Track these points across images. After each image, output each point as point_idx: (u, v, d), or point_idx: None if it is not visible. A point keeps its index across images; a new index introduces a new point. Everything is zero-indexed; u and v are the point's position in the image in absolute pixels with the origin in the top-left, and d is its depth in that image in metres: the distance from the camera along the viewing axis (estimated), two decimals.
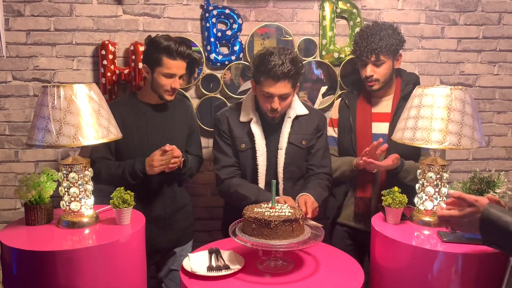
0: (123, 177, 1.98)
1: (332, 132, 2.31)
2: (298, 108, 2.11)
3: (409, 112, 1.72)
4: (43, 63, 2.41)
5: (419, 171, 1.78)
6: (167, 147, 1.94)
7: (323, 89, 2.59)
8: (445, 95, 1.63)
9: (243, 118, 2.09)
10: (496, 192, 1.66)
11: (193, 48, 2.40)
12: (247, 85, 2.50)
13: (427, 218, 1.76)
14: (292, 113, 2.08)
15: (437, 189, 1.73)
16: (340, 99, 2.36)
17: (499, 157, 2.75)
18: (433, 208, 1.74)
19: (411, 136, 1.67)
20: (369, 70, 2.13)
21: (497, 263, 1.54)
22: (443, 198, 1.74)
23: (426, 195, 1.74)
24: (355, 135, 2.21)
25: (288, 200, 1.88)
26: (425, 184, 1.75)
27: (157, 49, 2.00)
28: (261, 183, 2.06)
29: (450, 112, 1.61)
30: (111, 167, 2.02)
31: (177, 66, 2.02)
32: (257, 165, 2.05)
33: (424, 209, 1.76)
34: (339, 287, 1.53)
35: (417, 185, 1.79)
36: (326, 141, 2.20)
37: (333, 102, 2.57)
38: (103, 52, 2.35)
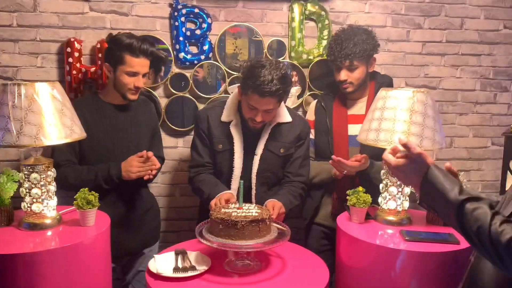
0: (96, 183, 1.94)
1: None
2: (281, 115, 2.08)
3: (373, 113, 1.76)
4: (5, 60, 2.33)
5: (383, 171, 1.82)
6: (146, 153, 1.93)
7: (296, 89, 2.61)
8: (407, 98, 1.68)
9: (224, 118, 2.07)
10: None
11: (161, 46, 2.40)
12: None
13: (390, 217, 1.80)
14: (273, 121, 2.06)
15: (400, 189, 1.77)
16: (316, 101, 2.39)
17: (461, 158, 2.85)
18: (396, 207, 1.78)
19: (375, 138, 1.71)
20: (343, 75, 2.17)
21: (457, 261, 1.60)
22: (405, 197, 1.79)
23: (389, 195, 1.79)
24: (331, 137, 2.24)
25: (276, 204, 1.90)
26: (389, 184, 1.79)
27: (119, 47, 1.97)
28: (235, 185, 2.05)
29: (412, 114, 1.66)
30: (81, 172, 1.97)
31: (140, 64, 2.00)
32: (233, 167, 2.05)
33: (388, 208, 1.80)
34: (305, 285, 1.55)
35: (381, 185, 1.83)
36: (307, 150, 2.19)
37: (302, 103, 2.61)
38: (69, 49, 2.30)
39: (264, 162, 2.06)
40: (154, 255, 1.72)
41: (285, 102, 2.12)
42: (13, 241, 1.57)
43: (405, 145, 1.22)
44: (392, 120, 1.67)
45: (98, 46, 2.32)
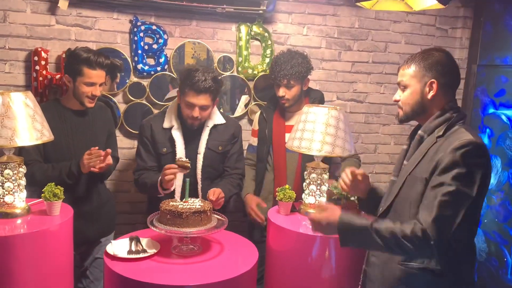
0: (60, 178, 2.18)
1: (253, 141, 2.69)
2: (216, 118, 2.44)
3: (298, 125, 2.14)
4: None
5: (305, 172, 2.20)
6: (106, 151, 2.19)
7: (245, 98, 2.97)
8: (323, 114, 2.06)
9: (166, 125, 2.38)
10: None
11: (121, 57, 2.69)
12: (174, 92, 2.81)
13: (311, 210, 2.18)
14: (210, 123, 2.40)
15: (318, 187, 2.16)
16: (260, 112, 2.74)
17: (383, 162, 3.29)
18: (315, 202, 2.17)
19: (298, 145, 2.09)
20: (281, 92, 2.53)
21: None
22: (323, 194, 2.18)
23: (310, 192, 2.17)
24: (271, 145, 2.61)
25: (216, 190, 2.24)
26: (310, 182, 2.17)
27: (77, 60, 2.22)
28: (179, 182, 2.35)
29: (327, 127, 2.05)
30: (46, 170, 2.21)
31: (97, 75, 2.26)
32: None
33: (309, 203, 2.18)
34: (237, 264, 1.89)
35: (304, 184, 2.21)
36: (241, 147, 2.56)
37: (247, 112, 2.97)
38: (36, 58, 2.54)
39: (206, 159, 2.40)
40: (111, 240, 2.01)
41: (216, 102, 2.44)
42: None
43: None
44: (312, 131, 2.05)
45: (63, 55, 2.58)
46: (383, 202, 1.69)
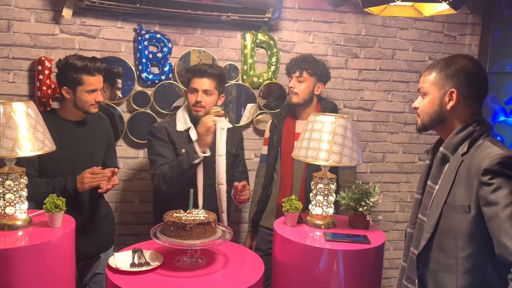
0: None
1: (264, 150, 2.66)
2: (224, 122, 2.48)
3: (304, 134, 2.09)
4: None
5: (312, 182, 2.15)
6: (113, 170, 2.18)
7: (251, 106, 2.94)
8: (330, 122, 2.01)
9: (180, 127, 2.36)
10: (370, 201, 2.06)
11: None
12: (181, 101, 2.78)
13: (318, 222, 2.12)
14: (223, 125, 2.44)
15: (325, 198, 2.10)
16: (272, 120, 2.72)
17: (392, 171, 3.23)
18: (322, 213, 2.11)
19: (305, 154, 2.04)
20: (292, 83, 2.52)
21: (368, 259, 1.94)
22: (330, 205, 2.12)
23: (316, 202, 2.11)
24: (280, 152, 2.58)
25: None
26: (317, 193, 2.12)
27: (74, 70, 2.16)
28: (200, 184, 2.34)
29: (334, 136, 1.99)
30: (39, 185, 2.13)
31: (97, 81, 2.22)
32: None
33: (315, 214, 2.13)
34: (243, 277, 1.84)
35: (310, 194, 2.16)
36: (244, 152, 2.62)
37: (253, 120, 2.93)
38: (40, 67, 2.52)
39: (226, 161, 2.41)
40: (114, 253, 1.97)
41: (221, 100, 2.45)
42: None
43: None
44: (318, 140, 2.00)
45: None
46: (417, 230, 1.61)
